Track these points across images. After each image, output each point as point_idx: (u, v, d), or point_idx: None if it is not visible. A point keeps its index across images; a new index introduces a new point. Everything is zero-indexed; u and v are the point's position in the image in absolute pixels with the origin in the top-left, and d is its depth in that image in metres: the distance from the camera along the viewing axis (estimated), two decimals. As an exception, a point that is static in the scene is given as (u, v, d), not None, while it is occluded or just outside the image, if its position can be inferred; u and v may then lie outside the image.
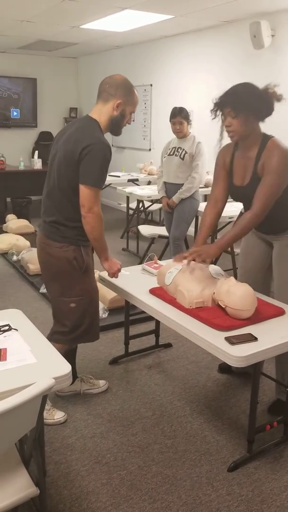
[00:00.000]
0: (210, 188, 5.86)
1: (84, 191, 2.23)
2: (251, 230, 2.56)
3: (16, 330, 1.89)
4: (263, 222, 2.42)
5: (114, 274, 2.53)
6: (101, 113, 2.38)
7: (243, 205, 2.67)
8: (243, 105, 2.31)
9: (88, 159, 2.21)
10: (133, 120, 2.58)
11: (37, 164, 7.17)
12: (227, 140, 2.52)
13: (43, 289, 4.18)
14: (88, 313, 2.47)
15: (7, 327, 1.90)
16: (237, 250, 4.22)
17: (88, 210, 2.24)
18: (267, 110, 2.35)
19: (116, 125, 2.40)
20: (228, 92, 2.37)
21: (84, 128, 2.32)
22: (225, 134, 2.47)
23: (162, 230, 4.95)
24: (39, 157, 7.26)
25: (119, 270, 2.53)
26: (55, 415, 2.54)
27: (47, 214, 2.42)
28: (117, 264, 2.52)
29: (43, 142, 8.89)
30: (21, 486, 1.49)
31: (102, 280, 2.93)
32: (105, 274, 2.91)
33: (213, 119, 2.44)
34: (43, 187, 2.49)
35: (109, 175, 6.88)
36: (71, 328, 2.44)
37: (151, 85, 7.23)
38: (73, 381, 2.75)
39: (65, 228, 2.35)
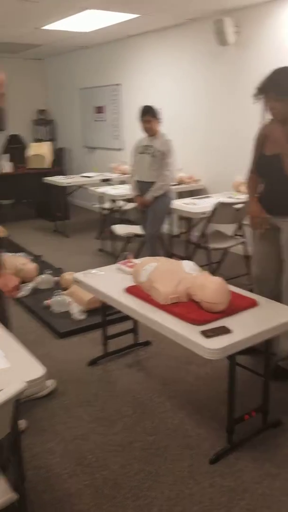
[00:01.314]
0: (182, 186, 5.92)
1: None
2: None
3: (-11, 335, 1.86)
4: (275, 200, 2.72)
5: (11, 292, 2.23)
6: None
7: (266, 179, 2.83)
8: (286, 89, 2.51)
9: None
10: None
11: (6, 167, 7.06)
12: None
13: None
14: None
15: (-21, 333, 1.88)
16: (212, 245, 4.25)
17: None
18: None
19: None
20: (270, 77, 2.56)
21: None
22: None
23: (137, 229, 4.95)
24: (9, 160, 7.17)
25: (17, 288, 2.24)
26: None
27: None
28: (14, 279, 2.24)
29: (12, 145, 8.79)
30: (-1, 492, 1.47)
31: (77, 281, 2.92)
32: (79, 276, 2.91)
33: (254, 103, 2.63)
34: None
35: (81, 176, 6.85)
36: None
37: (120, 84, 7.21)
38: None
39: None
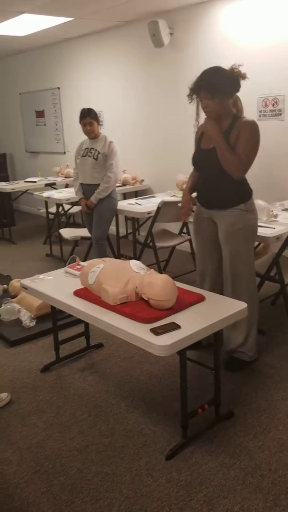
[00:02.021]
0: (127, 187, 5.96)
1: None
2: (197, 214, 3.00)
3: None
4: (210, 193, 2.83)
5: None
6: None
7: (202, 173, 2.91)
8: (216, 87, 2.61)
9: None
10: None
11: None
12: (202, 121, 2.81)
13: None
14: None
15: None
16: (158, 244, 4.30)
17: None
18: (236, 88, 2.68)
19: None
20: (201, 78, 2.65)
21: None
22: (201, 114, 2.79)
23: (84, 232, 4.94)
24: None
25: None
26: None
27: None
28: None
29: None
30: None
31: (25, 288, 2.88)
32: (26, 282, 2.87)
33: (190, 102, 2.72)
34: None
35: (25, 181, 6.74)
36: None
37: (58, 88, 7.16)
38: None
39: None
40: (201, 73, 2.67)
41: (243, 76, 2.66)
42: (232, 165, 2.68)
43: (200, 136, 2.89)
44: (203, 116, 2.76)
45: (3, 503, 2.04)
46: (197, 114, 2.78)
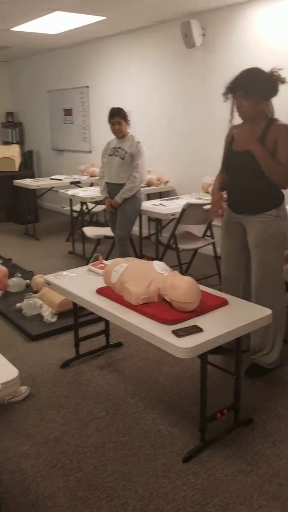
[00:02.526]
0: (152, 187, 5.96)
1: None
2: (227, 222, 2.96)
3: None
4: (241, 197, 2.78)
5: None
6: None
7: (233, 176, 2.86)
8: (253, 88, 2.60)
9: None
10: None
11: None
12: (237, 120, 2.78)
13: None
14: None
15: None
16: (181, 246, 4.29)
17: None
18: (273, 92, 2.65)
19: None
20: (239, 77, 2.64)
21: None
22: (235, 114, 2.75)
23: (107, 231, 4.96)
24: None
25: (5, 277, 2.32)
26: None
27: None
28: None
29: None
30: (-28, 497, 1.45)
31: (48, 283, 2.90)
32: (50, 278, 2.89)
33: (224, 101, 2.71)
34: None
35: (50, 179, 6.81)
36: None
37: (87, 86, 7.21)
38: None
39: None
40: (240, 72, 2.65)
41: (283, 80, 2.61)
42: (280, 176, 2.62)
43: (233, 138, 2.84)
44: (237, 116, 2.73)
45: (19, 496, 2.06)
46: (231, 114, 2.74)
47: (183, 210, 4.16)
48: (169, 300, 2.30)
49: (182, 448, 2.34)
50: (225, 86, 2.66)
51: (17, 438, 2.43)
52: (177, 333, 2.08)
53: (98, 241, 5.12)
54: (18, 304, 3.91)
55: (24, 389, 2.79)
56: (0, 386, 1.37)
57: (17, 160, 7.44)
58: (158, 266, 2.57)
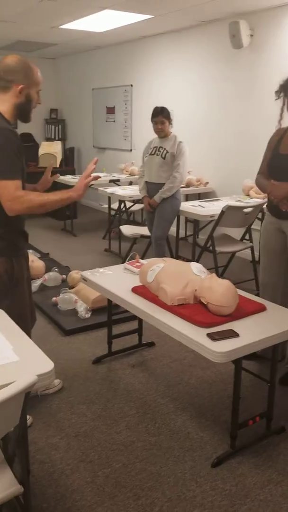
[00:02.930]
0: (191, 188, 5.92)
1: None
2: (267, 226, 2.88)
3: (-2, 329, 1.87)
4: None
5: (85, 184, 2.19)
6: (3, 101, 2.13)
7: (278, 179, 2.71)
8: None
9: None
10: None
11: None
12: (285, 122, 2.73)
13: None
14: None
15: (-12, 327, 1.89)
16: (218, 249, 4.25)
17: (12, 203, 2.01)
18: None
19: (24, 111, 2.19)
20: None
21: None
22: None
23: (144, 230, 4.97)
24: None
25: (83, 185, 2.19)
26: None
27: None
28: (79, 184, 2.19)
29: (24, 144, 8.83)
30: (4, 484, 1.48)
31: (85, 279, 2.93)
32: (87, 274, 2.92)
33: (276, 99, 2.64)
34: None
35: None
36: None
37: (131, 85, 7.24)
38: None
39: None
40: None
41: None
42: None
43: (279, 140, 2.77)
44: (287, 118, 2.67)
45: (48, 487, 2.09)
46: (281, 115, 2.67)
47: (222, 212, 4.12)
48: (205, 303, 2.27)
49: (211, 453, 2.32)
50: (280, 83, 2.60)
51: (48, 430, 2.46)
52: (212, 337, 2.06)
53: (134, 240, 5.13)
54: (54, 298, 3.97)
55: (57, 382, 2.83)
56: (36, 378, 1.39)
57: (59, 157, 7.55)
58: (196, 267, 2.55)
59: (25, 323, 2.28)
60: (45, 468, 2.21)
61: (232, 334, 2.09)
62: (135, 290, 2.59)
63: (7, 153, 2.00)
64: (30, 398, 1.48)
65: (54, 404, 2.68)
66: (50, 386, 2.77)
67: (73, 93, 8.80)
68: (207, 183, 5.95)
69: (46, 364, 1.59)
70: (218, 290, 2.24)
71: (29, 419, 2.48)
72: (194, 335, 2.09)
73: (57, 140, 8.77)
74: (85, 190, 2.19)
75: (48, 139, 8.98)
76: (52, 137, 9.07)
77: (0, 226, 2.13)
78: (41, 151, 7.48)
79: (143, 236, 4.94)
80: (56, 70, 9.13)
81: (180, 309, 2.30)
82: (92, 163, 2.25)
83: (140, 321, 3.27)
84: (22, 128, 8.79)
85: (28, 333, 2.27)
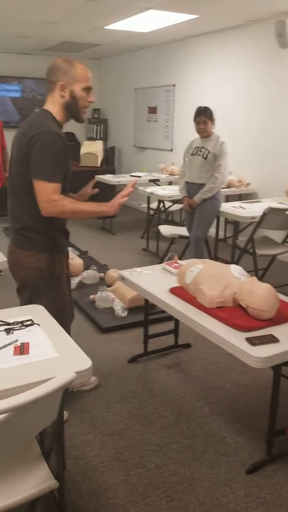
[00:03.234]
0: (232, 189, 5.85)
1: (37, 186, 2.04)
2: None
3: (39, 325, 1.91)
4: None
5: (120, 203, 2.22)
6: (52, 103, 2.18)
7: None
8: None
9: (36, 150, 2.03)
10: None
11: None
12: None
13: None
14: None
15: (29, 322, 1.92)
16: (259, 251, 4.18)
17: (48, 205, 2.04)
18: None
19: (73, 110, 2.20)
20: None
21: (33, 120, 2.16)
22: None
23: (182, 230, 4.94)
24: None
25: (117, 204, 2.22)
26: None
27: (15, 221, 2.25)
28: (114, 202, 2.22)
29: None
30: (41, 478, 1.50)
31: (123, 278, 2.94)
32: (125, 273, 2.93)
33: None
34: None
35: (130, 175, 6.90)
36: None
37: (174, 85, 7.22)
38: None
39: (35, 235, 2.19)
40: None
41: None
42: None
43: None
44: None
45: (81, 483, 2.11)
46: None
47: (264, 214, 4.05)
48: (244, 306, 2.24)
49: (247, 459, 2.28)
50: None
51: (83, 427, 2.49)
52: (252, 341, 2.02)
53: (172, 240, 5.11)
54: (91, 296, 4.01)
55: (93, 379, 2.85)
56: (75, 375, 1.40)
57: (100, 156, 7.61)
58: (235, 270, 2.51)
59: (65, 319, 2.32)
60: (79, 464, 2.23)
61: (272, 339, 2.05)
62: (173, 291, 2.58)
63: (50, 155, 2.04)
64: (67, 394, 1.49)
65: (89, 401, 2.71)
66: (87, 383, 2.80)
67: (116, 93, 8.86)
68: (248, 184, 5.86)
69: (84, 362, 1.61)
70: (259, 294, 2.20)
71: (65, 414, 2.51)
72: (233, 339, 2.06)
73: (98, 139, 8.86)
74: (118, 208, 2.24)
75: (90, 139, 9.08)
76: (94, 136, 9.17)
77: (42, 222, 2.17)
78: (83, 150, 7.57)
79: (181, 237, 4.92)
80: (100, 70, 9.22)
81: (219, 312, 2.27)
82: (131, 185, 2.27)
83: (177, 321, 3.26)
84: (66, 127, 8.92)
85: (68, 329, 2.32)
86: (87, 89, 2.21)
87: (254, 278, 2.35)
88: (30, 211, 2.16)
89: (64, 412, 2.49)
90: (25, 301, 2.29)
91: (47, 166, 2.03)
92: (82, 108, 2.21)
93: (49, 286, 2.26)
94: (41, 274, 2.23)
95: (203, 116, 4.25)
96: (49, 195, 2.03)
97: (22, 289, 2.31)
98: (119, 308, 3.80)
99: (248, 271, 2.82)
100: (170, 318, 3.39)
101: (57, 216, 2.12)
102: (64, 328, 2.07)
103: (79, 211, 2.13)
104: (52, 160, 2.04)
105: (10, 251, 2.32)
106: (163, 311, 2.58)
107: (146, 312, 3.15)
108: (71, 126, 8.97)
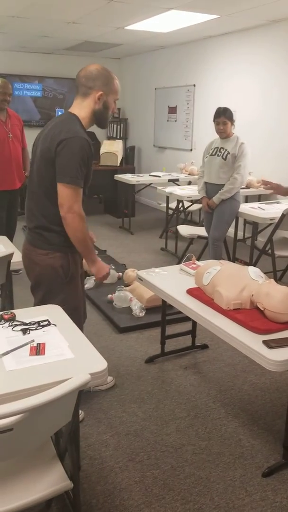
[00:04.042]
0: (251, 190, 5.81)
1: (61, 190, 2.10)
2: None
3: (55, 325, 1.93)
4: None
5: (101, 279, 2.39)
6: (82, 107, 2.23)
7: None
8: None
9: (64, 154, 2.08)
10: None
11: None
12: None
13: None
14: None
15: (46, 322, 1.94)
16: (277, 253, 4.14)
17: (67, 210, 2.11)
18: None
19: (101, 118, 2.27)
20: None
21: (61, 123, 2.18)
22: None
23: (201, 231, 4.93)
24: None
25: (107, 275, 2.39)
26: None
27: (30, 220, 2.29)
28: (106, 268, 2.38)
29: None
30: (55, 479, 1.52)
31: (140, 279, 2.94)
32: (143, 274, 2.93)
33: None
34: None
35: (149, 175, 6.90)
36: None
37: (194, 85, 7.19)
38: None
39: (50, 234, 2.23)
40: None
41: None
42: None
43: None
44: None
45: (97, 483, 2.13)
46: None
47: (283, 216, 4.01)
48: (262, 309, 2.22)
49: (263, 462, 2.26)
50: None
51: (99, 427, 2.50)
52: (269, 344, 2.01)
53: (191, 240, 5.10)
54: (109, 296, 4.02)
55: (110, 379, 2.87)
56: (89, 377, 1.41)
57: (120, 155, 7.63)
58: (253, 272, 2.49)
59: (79, 318, 2.33)
60: (95, 464, 2.24)
61: (289, 342, 2.03)
62: (190, 292, 2.57)
63: (77, 161, 2.09)
64: (83, 393, 1.50)
65: (105, 401, 2.72)
66: (103, 383, 2.81)
67: (136, 92, 8.87)
68: (268, 184, 5.80)
69: (99, 363, 1.62)
70: (276, 296, 2.18)
71: (81, 414, 2.53)
72: (249, 342, 2.05)
73: (118, 139, 8.88)
74: (102, 278, 2.39)
75: (110, 138, 9.11)
76: (114, 135, 9.20)
77: (57, 223, 2.19)
78: (102, 149, 7.60)
79: (200, 237, 4.90)
80: (120, 70, 9.24)
81: (236, 314, 2.26)
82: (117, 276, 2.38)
83: (194, 322, 3.25)
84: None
85: (81, 327, 2.34)
86: (115, 100, 2.33)
87: (272, 280, 2.33)
88: (46, 211, 2.20)
89: (80, 411, 2.52)
90: (39, 300, 2.33)
91: (74, 171, 2.08)
92: (109, 117, 2.32)
93: (62, 285, 2.28)
94: (55, 273, 2.25)
95: (223, 117, 4.22)
96: (71, 201, 2.10)
97: (36, 288, 2.35)
98: (136, 308, 3.81)
99: (266, 273, 2.80)
100: (187, 318, 3.37)
101: (66, 225, 2.15)
102: (78, 326, 2.09)
103: (83, 240, 2.21)
104: (78, 166, 2.09)
105: (25, 249, 2.36)
106: (181, 312, 2.57)
107: (163, 312, 3.15)
108: (91, 126, 9.04)
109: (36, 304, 2.35)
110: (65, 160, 2.08)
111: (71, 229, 2.16)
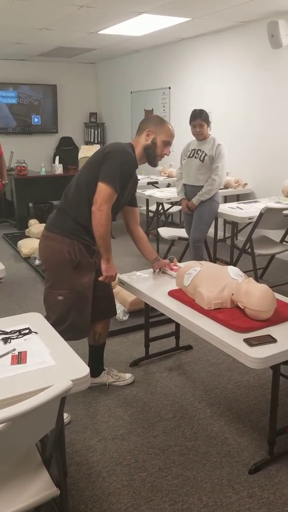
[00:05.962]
0: (229, 190, 5.86)
1: (101, 187, 2.37)
2: None
3: (36, 333, 1.92)
4: None
5: (107, 279, 2.55)
6: (137, 143, 2.59)
7: None
8: None
9: (109, 162, 2.40)
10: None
11: (58, 169, 7.25)
12: None
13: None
14: (74, 309, 2.49)
15: (27, 331, 1.94)
16: (257, 251, 4.19)
17: (98, 207, 2.37)
18: None
19: (150, 154, 2.58)
20: None
21: (117, 143, 2.55)
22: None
23: (181, 232, 4.96)
24: (60, 162, 7.34)
25: (113, 278, 2.58)
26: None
27: (56, 208, 2.61)
28: (114, 270, 2.57)
29: (64, 148, 9.00)
30: (41, 486, 1.52)
31: (122, 283, 2.95)
32: (124, 277, 2.94)
33: None
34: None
35: (129, 179, 6.89)
36: (55, 321, 2.37)
37: (169, 87, 7.24)
38: (99, 374, 2.89)
39: (65, 219, 2.48)
40: None
41: None
42: None
43: None
44: None
45: (85, 489, 2.12)
46: None
47: (261, 214, 4.06)
48: (242, 307, 2.25)
49: (249, 459, 2.29)
50: None
51: (86, 432, 2.50)
52: (249, 342, 2.03)
53: (172, 242, 5.13)
54: (92, 301, 4.01)
55: (128, 376, 2.94)
56: (71, 384, 1.41)
57: (98, 160, 7.63)
58: (233, 271, 2.52)
59: (83, 306, 2.52)
60: (82, 470, 2.24)
61: (270, 339, 2.06)
62: (171, 293, 2.59)
63: (118, 169, 2.39)
64: (72, 398, 1.50)
65: (92, 407, 2.72)
66: (121, 379, 2.92)
67: (112, 96, 8.88)
68: (245, 184, 5.87)
69: (81, 369, 1.62)
70: (255, 294, 2.21)
71: (67, 417, 2.54)
72: (231, 340, 2.07)
73: (96, 143, 8.87)
74: (112, 277, 2.58)
75: (88, 143, 9.10)
76: (92, 140, 9.19)
77: (77, 214, 2.46)
78: (80, 154, 7.57)
79: (181, 238, 4.93)
80: (95, 74, 9.25)
81: (217, 314, 2.28)
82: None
83: (178, 324, 3.27)
84: (63, 132, 8.98)
85: (88, 316, 2.57)
86: (166, 143, 2.60)
87: (251, 279, 2.36)
88: (72, 200, 2.50)
89: (66, 415, 2.52)
90: (46, 284, 2.56)
91: (113, 176, 2.38)
92: (158, 155, 2.60)
93: (70, 271, 2.46)
94: (63, 257, 2.45)
95: (199, 119, 4.25)
96: (104, 199, 2.37)
97: (46, 272, 2.60)
98: (120, 312, 3.81)
99: (247, 271, 2.84)
100: (171, 320, 3.38)
101: (93, 221, 2.39)
102: (80, 314, 2.43)
103: (105, 237, 2.44)
104: (118, 173, 2.39)
105: (41, 235, 2.60)
106: (164, 314, 2.59)
107: (146, 315, 3.16)
108: (68, 131, 9.02)
109: (45, 288, 2.57)
110: (109, 166, 2.39)
111: (96, 223, 2.39)
